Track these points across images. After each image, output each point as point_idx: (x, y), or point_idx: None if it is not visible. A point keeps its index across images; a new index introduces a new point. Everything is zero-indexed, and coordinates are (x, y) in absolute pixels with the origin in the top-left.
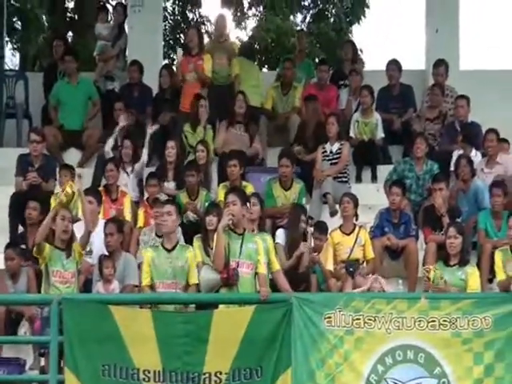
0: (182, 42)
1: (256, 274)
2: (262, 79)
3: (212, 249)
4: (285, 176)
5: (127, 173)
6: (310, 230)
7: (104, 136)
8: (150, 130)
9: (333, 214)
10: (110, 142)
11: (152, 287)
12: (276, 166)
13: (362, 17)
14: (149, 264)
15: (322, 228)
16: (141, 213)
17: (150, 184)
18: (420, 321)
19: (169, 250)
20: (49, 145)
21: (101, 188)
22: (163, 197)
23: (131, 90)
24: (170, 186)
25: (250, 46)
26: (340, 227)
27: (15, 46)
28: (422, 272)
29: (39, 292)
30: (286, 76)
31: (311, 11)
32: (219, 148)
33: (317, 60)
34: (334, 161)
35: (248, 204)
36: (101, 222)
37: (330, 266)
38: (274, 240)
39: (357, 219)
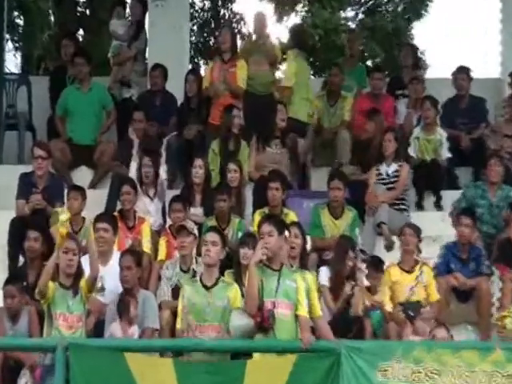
0: (212, 44)
1: (296, 316)
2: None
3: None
4: (336, 201)
5: (150, 197)
6: (362, 266)
7: (121, 152)
8: (167, 137)
9: (389, 247)
10: (134, 166)
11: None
12: (321, 189)
13: (424, 12)
14: (185, 302)
15: (377, 265)
16: (162, 243)
17: (174, 209)
18: (495, 376)
19: (208, 287)
20: (55, 162)
21: (116, 213)
22: (190, 224)
23: (152, 98)
24: (197, 211)
25: (302, 30)
26: (398, 263)
27: (17, 45)
28: (496, 317)
29: (42, 336)
30: (332, 84)
31: (363, 7)
32: (252, 171)
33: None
34: (390, 185)
35: (287, 235)
36: (115, 254)
37: (388, 306)
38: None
39: (418, 254)
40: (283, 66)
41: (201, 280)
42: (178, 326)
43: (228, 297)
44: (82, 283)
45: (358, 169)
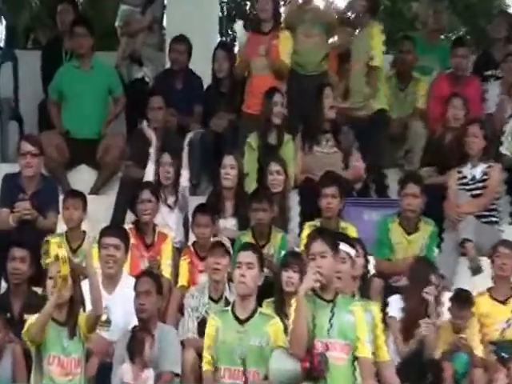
0: (248, 12)
1: (355, 359)
2: None
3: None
4: (411, 211)
5: (169, 206)
6: (441, 295)
7: (132, 149)
8: (191, 134)
9: (476, 271)
10: (151, 167)
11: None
12: (391, 196)
13: None
14: (213, 338)
15: (465, 302)
16: (184, 264)
17: (199, 223)
18: None
19: (241, 321)
20: (48, 160)
21: (129, 226)
22: (226, 241)
23: (171, 79)
24: (227, 223)
25: None
26: (489, 291)
27: None
28: None
29: (28, 379)
30: (403, 63)
31: None
32: (299, 174)
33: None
34: (476, 191)
35: (352, 253)
36: (125, 279)
37: (478, 349)
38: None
39: None
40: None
41: (232, 311)
42: (205, 367)
43: (267, 333)
44: (81, 320)
45: (434, 170)
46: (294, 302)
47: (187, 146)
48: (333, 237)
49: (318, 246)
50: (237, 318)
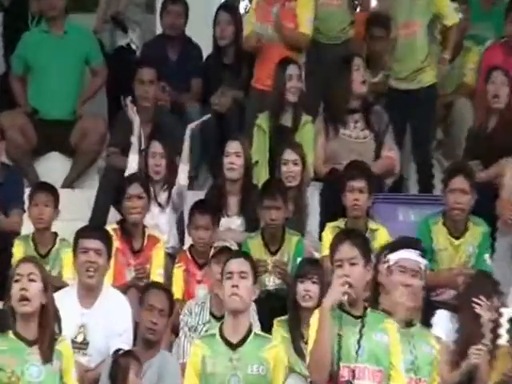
0: None
1: None
2: None
3: (306, 343)
4: (459, 210)
5: (160, 204)
6: (496, 313)
7: (116, 133)
8: (192, 125)
9: None
10: (133, 160)
11: None
12: (431, 193)
13: None
14: (197, 369)
15: None
16: (178, 273)
17: (197, 223)
18: None
19: (234, 346)
20: (12, 146)
21: (112, 227)
22: (234, 246)
23: (164, 48)
24: (232, 223)
25: None
26: None
27: None
28: None
29: None
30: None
31: None
32: (319, 164)
33: None
34: None
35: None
36: (106, 290)
37: None
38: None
39: None
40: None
41: (221, 334)
42: None
43: (265, 359)
44: (64, 347)
45: (478, 164)
46: (313, 319)
47: (190, 137)
48: (365, 240)
49: (347, 250)
50: (227, 343)
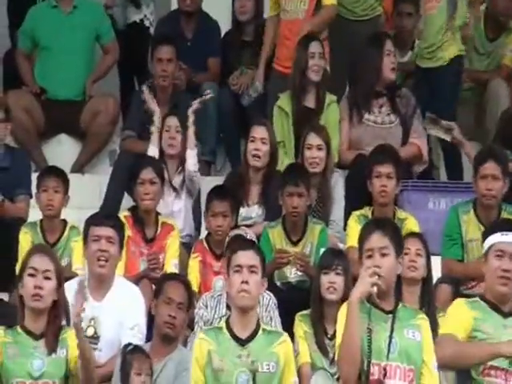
0: None
1: None
2: None
3: (331, 339)
4: (491, 198)
5: (175, 188)
6: None
7: (131, 114)
8: (194, 107)
9: None
10: (152, 150)
11: None
12: (465, 180)
13: None
14: (202, 364)
15: None
16: (194, 264)
17: (215, 211)
18: None
19: (242, 341)
20: (18, 128)
21: (124, 214)
22: (251, 235)
23: (180, 24)
24: (252, 212)
25: None
26: None
27: None
28: None
29: None
30: (497, 6)
31: None
32: (343, 151)
33: None
34: None
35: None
36: (118, 281)
37: None
38: None
39: None
40: None
41: (229, 329)
42: None
43: (276, 355)
44: (71, 337)
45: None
46: (341, 313)
47: (192, 113)
48: (396, 230)
49: (378, 240)
50: (236, 338)
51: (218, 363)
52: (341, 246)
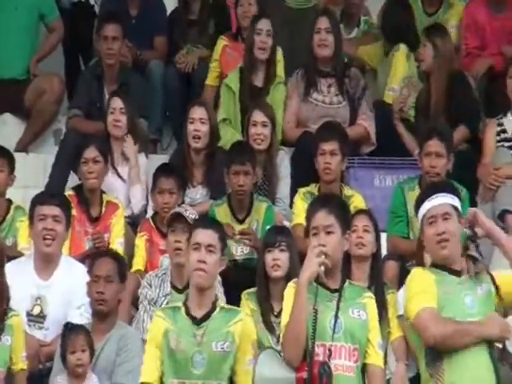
0: None
1: (364, 367)
2: None
3: (277, 316)
4: (435, 174)
5: (121, 177)
6: None
7: (78, 94)
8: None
9: None
10: (137, 189)
11: None
12: (409, 156)
13: None
14: (158, 342)
15: None
16: (141, 243)
17: (162, 187)
18: None
19: (198, 320)
20: None
21: (68, 193)
22: (191, 212)
23: (125, 2)
24: (196, 193)
25: None
26: None
27: None
28: None
29: None
30: None
31: None
32: (291, 127)
33: None
34: None
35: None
36: (64, 261)
37: None
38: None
39: None
40: None
41: (185, 308)
42: (146, 378)
43: (231, 334)
44: (16, 322)
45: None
46: (288, 292)
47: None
48: (343, 207)
49: (323, 218)
50: (192, 317)
51: (175, 342)
52: (287, 223)
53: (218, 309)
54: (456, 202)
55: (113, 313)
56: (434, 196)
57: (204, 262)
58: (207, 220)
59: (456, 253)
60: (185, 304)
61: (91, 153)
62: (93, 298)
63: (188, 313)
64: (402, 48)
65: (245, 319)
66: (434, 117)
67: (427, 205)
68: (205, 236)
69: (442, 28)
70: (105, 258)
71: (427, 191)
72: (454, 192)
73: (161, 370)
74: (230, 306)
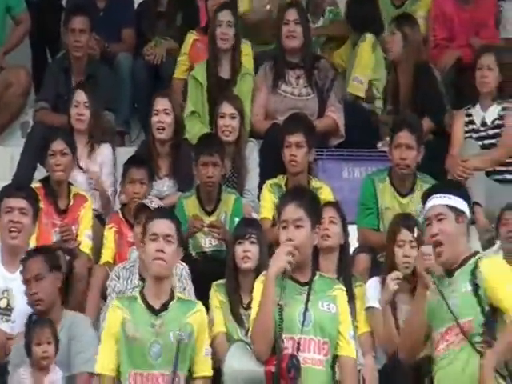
0: None
1: (335, 359)
2: None
3: (246, 309)
4: (405, 167)
5: (78, 162)
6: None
7: (45, 86)
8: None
9: (488, 242)
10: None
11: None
12: (379, 149)
13: None
14: (115, 331)
15: None
16: (109, 234)
17: (133, 177)
18: None
19: (156, 311)
20: None
21: (35, 186)
22: (156, 203)
23: None
24: (163, 185)
25: None
26: None
27: None
28: None
29: None
30: None
31: None
32: (259, 119)
33: None
34: (488, 140)
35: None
36: None
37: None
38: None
39: None
40: None
41: (143, 298)
42: (104, 372)
43: (189, 325)
44: None
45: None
46: (257, 285)
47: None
48: (313, 200)
49: (292, 211)
50: (149, 308)
51: (132, 332)
52: (255, 215)
53: (175, 299)
54: (454, 201)
55: (55, 305)
56: (429, 199)
57: (162, 252)
58: (163, 210)
59: (455, 253)
60: (141, 294)
61: (59, 145)
62: (29, 300)
63: (145, 302)
64: (369, 38)
65: (202, 310)
66: (402, 108)
67: (424, 209)
68: (162, 226)
69: (411, 17)
70: (33, 257)
71: (424, 195)
72: (452, 191)
73: (117, 361)
74: (186, 297)
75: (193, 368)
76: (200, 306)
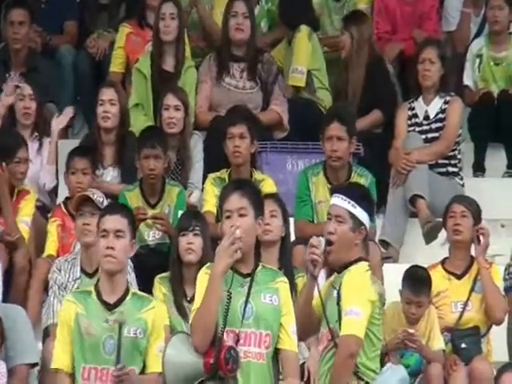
0: None
1: (277, 352)
2: None
3: (190, 301)
4: (336, 159)
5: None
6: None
7: None
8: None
9: (430, 236)
10: (50, 170)
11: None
12: (316, 142)
13: None
14: (69, 326)
15: (421, 282)
16: (52, 228)
17: (76, 167)
18: None
19: (110, 306)
20: None
21: None
22: (99, 196)
23: None
24: (107, 175)
25: None
26: (443, 263)
27: None
28: None
29: None
30: None
31: None
32: (203, 112)
33: None
34: (431, 133)
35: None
36: None
37: (437, 342)
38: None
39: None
40: None
41: (97, 293)
42: (58, 366)
43: (144, 320)
44: None
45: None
46: (200, 278)
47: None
48: (256, 191)
49: (236, 201)
50: (103, 303)
51: (86, 327)
52: (198, 205)
53: (130, 294)
54: (357, 211)
55: None
56: (337, 193)
57: (112, 248)
58: (114, 206)
59: (343, 259)
60: (96, 289)
61: (22, 153)
62: None
63: (100, 298)
64: (304, 29)
65: (157, 306)
66: (350, 102)
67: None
68: (112, 222)
69: (359, 16)
70: None
71: (333, 189)
72: (360, 203)
73: (73, 356)
74: (141, 293)
75: (145, 364)
76: (155, 302)
